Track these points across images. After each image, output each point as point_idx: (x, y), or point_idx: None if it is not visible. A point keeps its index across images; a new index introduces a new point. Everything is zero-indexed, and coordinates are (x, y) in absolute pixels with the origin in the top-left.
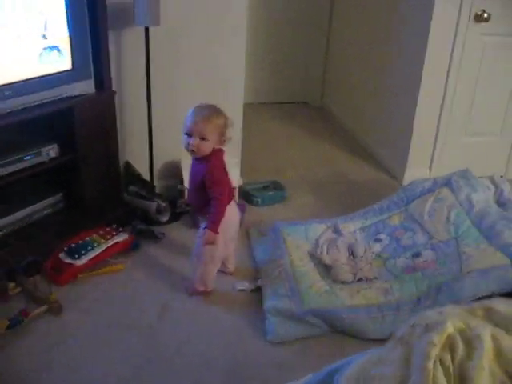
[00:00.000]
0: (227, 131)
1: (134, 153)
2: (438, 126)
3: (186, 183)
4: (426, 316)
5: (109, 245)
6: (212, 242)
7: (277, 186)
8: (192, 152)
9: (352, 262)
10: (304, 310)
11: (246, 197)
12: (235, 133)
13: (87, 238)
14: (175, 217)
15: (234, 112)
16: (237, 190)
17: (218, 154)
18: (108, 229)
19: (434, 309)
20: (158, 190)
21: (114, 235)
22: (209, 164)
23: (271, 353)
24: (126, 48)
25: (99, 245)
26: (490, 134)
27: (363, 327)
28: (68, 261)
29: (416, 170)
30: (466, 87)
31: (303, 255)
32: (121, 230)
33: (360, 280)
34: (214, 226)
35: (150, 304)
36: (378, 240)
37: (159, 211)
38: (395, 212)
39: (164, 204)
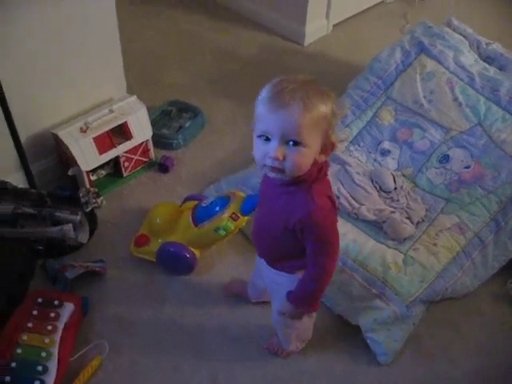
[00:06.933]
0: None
1: None
2: None
3: (80, 162)
4: None
5: (58, 340)
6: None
7: (184, 108)
8: (275, 170)
9: (391, 202)
10: (407, 303)
11: (158, 141)
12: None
13: (18, 351)
14: (92, 222)
15: None
16: (150, 141)
17: (322, 174)
18: (34, 313)
19: None
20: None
21: (52, 318)
22: (309, 195)
23: (400, 374)
24: None
25: (47, 352)
26: None
27: (460, 286)
28: None
29: (316, 24)
30: None
31: None
32: (55, 301)
33: (418, 224)
34: (314, 303)
35: None
36: (385, 153)
37: (74, 229)
38: (377, 105)
39: (79, 216)
